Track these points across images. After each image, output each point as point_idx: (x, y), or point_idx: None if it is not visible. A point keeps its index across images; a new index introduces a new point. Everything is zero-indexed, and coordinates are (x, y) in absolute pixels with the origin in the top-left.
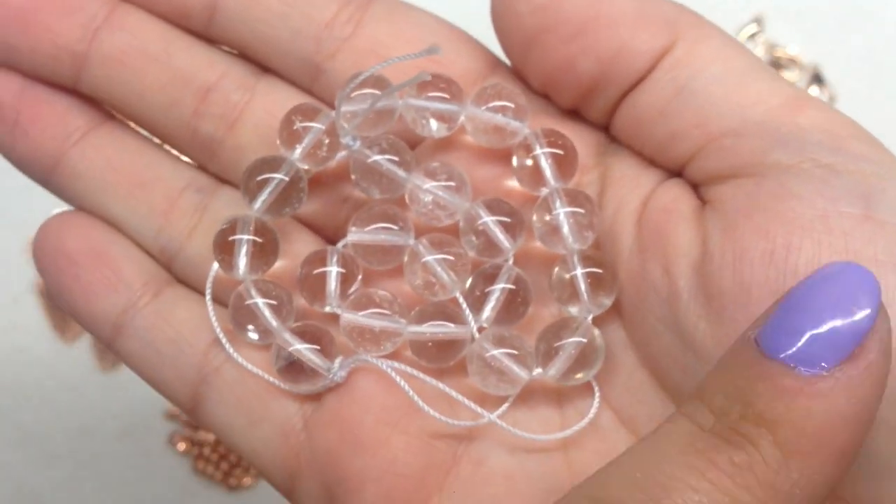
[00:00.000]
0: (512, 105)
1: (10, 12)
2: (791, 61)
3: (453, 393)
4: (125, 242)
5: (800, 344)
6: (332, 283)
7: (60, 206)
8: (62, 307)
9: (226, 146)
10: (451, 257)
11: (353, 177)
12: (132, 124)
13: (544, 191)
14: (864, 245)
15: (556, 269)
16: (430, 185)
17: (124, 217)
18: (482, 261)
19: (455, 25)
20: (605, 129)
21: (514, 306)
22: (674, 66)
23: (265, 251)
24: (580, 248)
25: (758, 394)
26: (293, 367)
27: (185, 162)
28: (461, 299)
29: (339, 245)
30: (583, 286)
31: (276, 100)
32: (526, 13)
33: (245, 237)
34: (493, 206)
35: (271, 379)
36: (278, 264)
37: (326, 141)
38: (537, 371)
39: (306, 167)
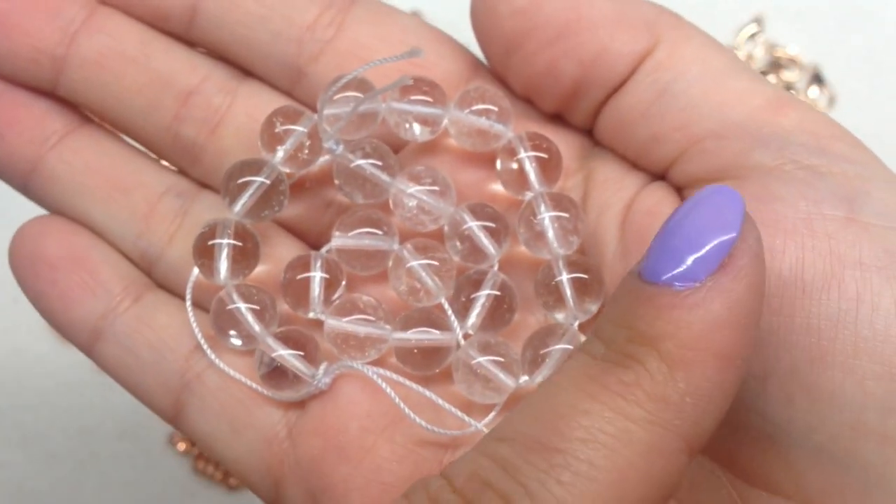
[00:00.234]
0: (495, 108)
1: None
2: (791, 61)
3: (439, 401)
4: (104, 247)
5: (675, 265)
6: (316, 289)
7: None
8: (39, 312)
9: (207, 150)
10: (435, 263)
11: (336, 181)
12: (112, 129)
13: (529, 195)
14: (848, 248)
15: (541, 274)
16: (414, 189)
17: (104, 222)
18: (467, 266)
19: (437, 28)
20: (589, 132)
21: (499, 313)
22: (655, 68)
23: (246, 255)
24: (565, 252)
25: (639, 316)
26: (277, 374)
27: (166, 166)
28: (446, 305)
29: (323, 250)
30: (569, 292)
31: (259, 103)
32: (506, 16)
33: (225, 241)
34: (478, 211)
35: (255, 385)
36: (261, 269)
37: (308, 143)
38: (524, 378)
39: (288, 170)
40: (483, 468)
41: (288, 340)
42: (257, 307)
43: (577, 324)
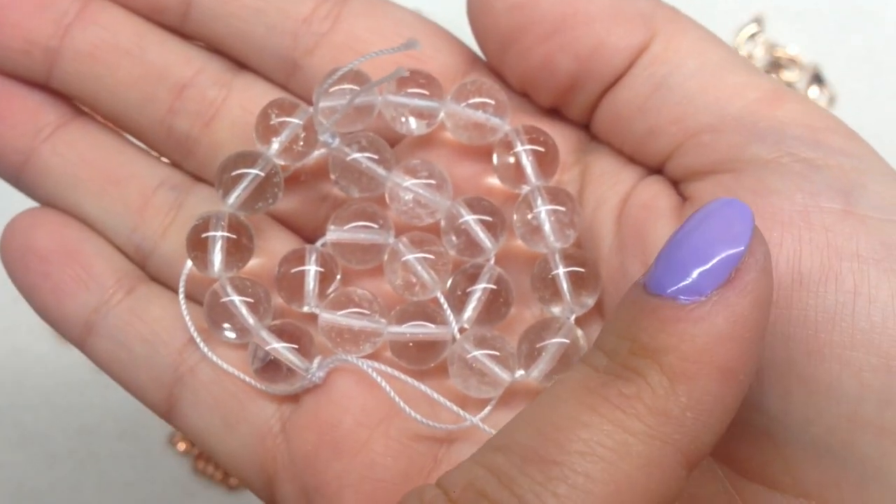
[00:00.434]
0: (492, 102)
1: None
2: (791, 61)
3: (434, 395)
4: (97, 239)
5: (681, 278)
6: (311, 283)
7: None
8: (31, 306)
9: (202, 143)
10: (431, 256)
11: (332, 175)
12: (106, 122)
13: (525, 188)
14: (845, 240)
15: (538, 268)
16: (410, 183)
17: (97, 215)
18: (463, 260)
19: (433, 21)
20: (585, 126)
21: (495, 307)
22: (651, 62)
23: (240, 248)
24: (562, 246)
25: (643, 328)
26: (271, 367)
27: (160, 159)
28: (442, 299)
29: (318, 244)
30: (565, 286)
31: (253, 96)
32: (502, 11)
33: (219, 234)
34: (475, 205)
35: (248, 379)
36: (256, 263)
37: (303, 136)
38: (519, 373)
39: (283, 163)
40: (479, 478)
41: (282, 333)
42: (251, 300)
43: (573, 317)
